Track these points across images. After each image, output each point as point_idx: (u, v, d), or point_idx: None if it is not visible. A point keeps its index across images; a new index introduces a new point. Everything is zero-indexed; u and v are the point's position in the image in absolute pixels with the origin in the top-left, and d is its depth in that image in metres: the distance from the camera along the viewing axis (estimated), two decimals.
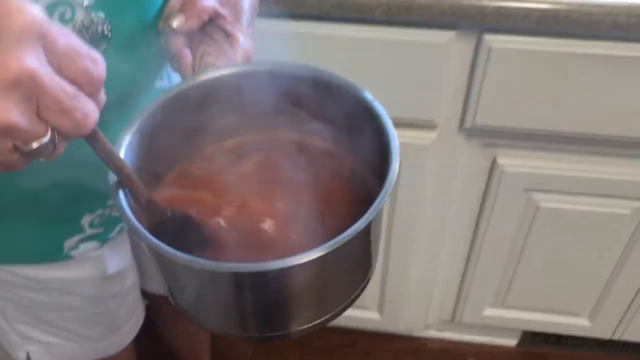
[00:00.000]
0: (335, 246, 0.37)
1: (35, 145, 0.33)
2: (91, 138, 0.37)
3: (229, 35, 0.55)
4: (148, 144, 0.48)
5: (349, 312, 1.42)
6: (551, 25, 0.84)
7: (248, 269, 0.38)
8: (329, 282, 0.43)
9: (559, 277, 1.22)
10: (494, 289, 1.27)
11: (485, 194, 1.11)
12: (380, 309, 1.34)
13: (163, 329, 1.17)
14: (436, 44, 0.90)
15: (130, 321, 0.86)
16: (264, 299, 0.41)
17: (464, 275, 1.27)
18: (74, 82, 0.33)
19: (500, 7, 0.84)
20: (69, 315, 0.76)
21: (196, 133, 0.54)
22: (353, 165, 0.53)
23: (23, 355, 0.79)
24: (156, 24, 0.57)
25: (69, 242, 0.68)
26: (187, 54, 0.53)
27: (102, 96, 0.35)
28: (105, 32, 0.52)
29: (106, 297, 0.78)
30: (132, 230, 0.40)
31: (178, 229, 0.46)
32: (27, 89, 0.30)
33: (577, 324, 1.31)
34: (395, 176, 0.42)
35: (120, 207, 0.41)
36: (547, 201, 1.09)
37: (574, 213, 1.09)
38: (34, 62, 0.30)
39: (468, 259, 1.24)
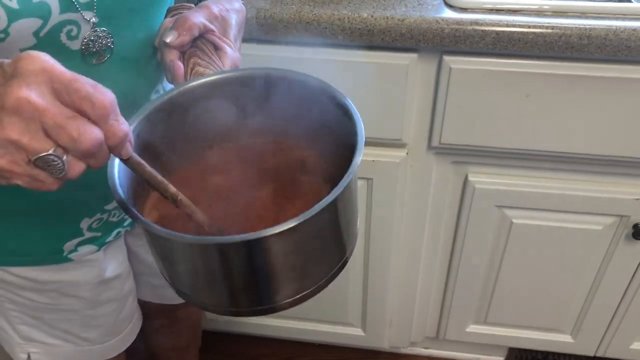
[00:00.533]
0: (304, 217, 0.41)
1: (40, 155, 0.39)
2: (128, 163, 0.43)
3: (217, 48, 0.60)
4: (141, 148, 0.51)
5: (334, 328, 1.44)
6: (507, 46, 0.87)
7: (229, 240, 0.42)
8: (305, 256, 0.46)
9: (538, 293, 1.22)
10: (475, 305, 1.28)
11: (459, 211, 1.13)
12: (364, 326, 1.35)
13: (152, 342, 1.19)
14: (399, 66, 0.93)
15: (128, 326, 0.89)
16: (247, 270, 0.45)
17: (445, 291, 1.29)
18: (77, 107, 0.39)
19: (457, 30, 0.87)
20: (69, 317, 0.80)
21: (185, 139, 0.58)
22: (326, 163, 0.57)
23: (24, 357, 0.82)
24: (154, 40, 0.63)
25: (68, 245, 0.72)
26: (180, 65, 0.58)
27: (115, 123, 0.40)
28: (109, 45, 0.58)
29: (104, 300, 0.81)
30: (130, 216, 0.45)
31: None
32: (27, 112, 0.37)
33: (560, 340, 1.31)
34: (361, 153, 0.46)
35: (115, 192, 0.46)
36: (520, 217, 1.10)
37: (548, 229, 1.10)
38: (33, 92, 0.37)
39: (448, 275, 1.25)
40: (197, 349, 1.26)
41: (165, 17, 0.66)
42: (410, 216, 1.15)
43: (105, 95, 0.39)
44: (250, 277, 0.45)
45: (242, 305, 0.48)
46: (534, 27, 0.86)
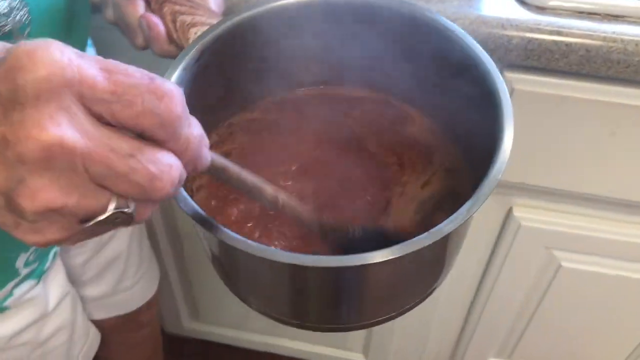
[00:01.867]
0: (418, 246, 0.33)
1: (101, 217, 0.26)
2: (212, 171, 0.30)
3: None
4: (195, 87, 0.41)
5: (334, 352, 1.25)
6: (600, 68, 0.62)
7: (338, 263, 0.33)
8: (398, 284, 0.40)
9: (578, 337, 1.03)
10: (501, 339, 1.09)
11: (496, 244, 0.92)
12: (366, 352, 1.17)
13: None
14: None
15: (85, 345, 0.78)
16: (333, 291, 0.39)
17: (466, 320, 1.09)
18: (135, 129, 0.25)
19: (530, 40, 0.61)
20: None
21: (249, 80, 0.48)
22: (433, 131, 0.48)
23: None
24: None
25: (2, 292, 0.59)
26: (156, 21, 0.45)
27: (188, 131, 0.26)
28: (25, 17, 0.44)
29: (53, 332, 0.69)
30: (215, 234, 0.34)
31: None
32: (63, 161, 0.24)
33: None
34: (504, 167, 0.36)
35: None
36: (570, 261, 0.89)
37: (602, 276, 0.89)
38: (62, 125, 0.23)
39: (472, 306, 1.05)
40: None
41: None
42: None
43: (173, 98, 0.25)
44: (332, 298, 0.40)
45: (311, 320, 0.43)
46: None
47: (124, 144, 0.25)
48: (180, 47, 0.45)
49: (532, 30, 0.61)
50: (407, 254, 0.32)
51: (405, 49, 0.46)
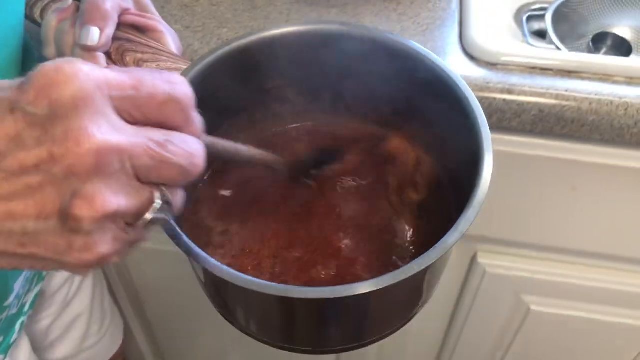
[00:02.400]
0: (407, 274, 0.33)
1: (149, 216, 0.27)
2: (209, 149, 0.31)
3: (146, 30, 0.47)
4: None
5: None
6: (553, 128, 0.58)
7: (321, 295, 0.34)
8: (381, 311, 0.41)
9: None
10: None
11: (463, 288, 0.88)
12: None
13: None
14: None
15: None
16: (319, 318, 0.40)
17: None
18: (161, 120, 0.27)
19: (479, 99, 0.58)
20: None
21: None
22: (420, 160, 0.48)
23: None
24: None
25: None
26: None
27: (197, 115, 0.29)
28: None
29: None
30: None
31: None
32: (113, 162, 0.24)
33: None
34: (484, 195, 0.37)
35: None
36: (540, 304, 0.86)
37: (573, 319, 0.86)
38: (103, 128, 0.24)
39: (442, 349, 1.02)
40: None
41: (29, 15, 0.51)
42: None
43: (184, 83, 0.27)
44: (319, 324, 0.41)
45: (298, 344, 0.43)
46: (600, 102, 0.56)
47: (158, 134, 0.26)
48: None
49: (481, 89, 0.58)
50: (387, 286, 0.33)
51: (380, 74, 0.46)
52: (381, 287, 0.33)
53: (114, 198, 0.25)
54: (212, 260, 0.35)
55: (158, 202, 0.27)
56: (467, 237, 0.77)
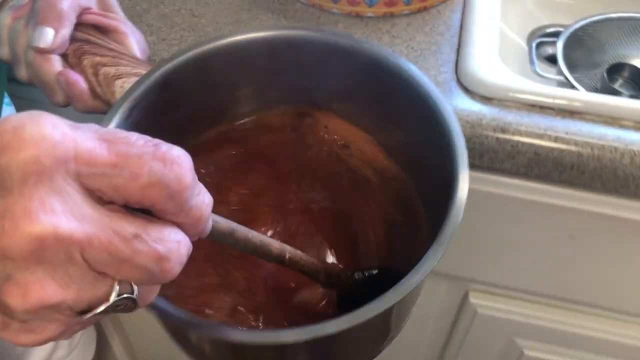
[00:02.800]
0: (375, 312, 0.31)
1: (102, 308, 0.22)
2: (215, 236, 0.27)
3: (109, 31, 0.44)
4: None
5: None
6: (551, 172, 0.53)
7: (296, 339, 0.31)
8: (350, 346, 0.38)
9: None
10: None
11: (453, 327, 0.83)
12: None
13: None
14: None
15: None
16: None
17: None
18: (142, 204, 0.22)
19: (473, 136, 0.53)
20: None
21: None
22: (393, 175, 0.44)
23: None
24: None
25: None
26: (77, 77, 0.41)
27: (198, 199, 0.23)
28: None
29: None
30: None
31: None
32: (58, 253, 0.20)
33: None
34: (460, 217, 0.34)
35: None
36: (534, 349, 0.80)
37: None
38: (55, 212, 0.20)
39: None
40: None
41: None
42: None
43: (182, 165, 0.22)
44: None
45: None
46: (604, 148, 0.51)
47: (128, 225, 0.22)
48: (105, 102, 0.41)
49: (472, 125, 0.53)
50: (352, 326, 0.31)
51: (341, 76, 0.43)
52: (341, 330, 0.30)
53: (58, 290, 0.21)
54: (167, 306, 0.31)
55: (114, 298, 0.23)
56: (457, 277, 0.72)
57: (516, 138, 0.52)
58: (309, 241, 0.45)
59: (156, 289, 0.25)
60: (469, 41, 0.58)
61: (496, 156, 0.53)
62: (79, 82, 0.42)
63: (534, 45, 0.73)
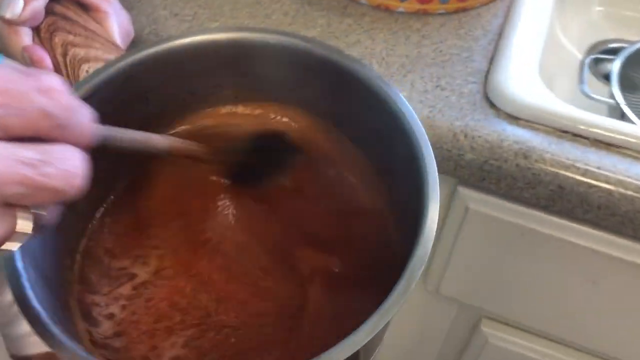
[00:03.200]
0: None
1: (11, 243, 0.24)
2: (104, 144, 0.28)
3: (91, 9, 0.42)
4: None
5: None
6: (574, 208, 0.47)
7: None
8: None
9: None
10: None
11: (461, 355, 0.78)
12: None
13: None
14: None
15: None
16: None
17: None
18: (34, 135, 0.22)
19: (492, 158, 0.47)
20: None
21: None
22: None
23: None
24: None
25: None
26: (42, 54, 0.40)
27: (81, 119, 0.24)
28: None
29: None
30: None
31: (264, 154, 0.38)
32: None
33: None
34: (429, 248, 0.29)
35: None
36: None
37: None
38: None
39: None
40: None
41: None
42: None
43: (62, 91, 0.23)
44: None
45: None
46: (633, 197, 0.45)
47: (30, 152, 0.22)
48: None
49: (492, 145, 0.47)
50: None
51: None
52: None
53: None
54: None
55: (23, 229, 0.23)
56: (467, 304, 0.67)
57: (539, 166, 0.46)
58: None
59: (61, 207, 0.26)
60: (506, 51, 0.52)
61: (515, 183, 0.47)
62: (44, 60, 0.40)
63: (587, 61, 0.66)
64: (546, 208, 0.48)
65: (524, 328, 0.67)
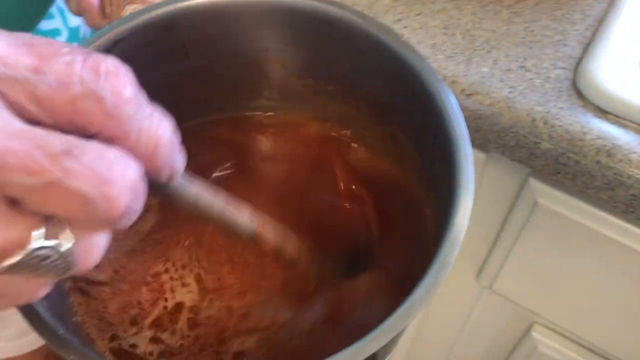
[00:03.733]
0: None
1: (13, 259, 0.16)
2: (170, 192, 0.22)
3: None
4: None
5: None
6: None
7: None
8: None
9: None
10: None
11: (509, 355, 0.74)
12: None
13: None
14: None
15: None
16: None
17: None
18: (72, 121, 0.17)
19: (574, 152, 0.44)
20: None
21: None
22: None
23: None
24: None
25: None
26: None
27: (149, 124, 0.18)
28: None
29: None
30: None
31: None
32: None
33: None
34: (461, 239, 0.26)
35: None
36: None
37: None
38: None
39: None
40: None
41: None
42: (435, 333, 0.78)
43: (120, 76, 0.17)
44: None
45: None
46: None
47: (55, 139, 0.16)
48: None
49: (572, 137, 0.43)
50: None
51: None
52: None
53: None
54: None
55: (36, 243, 0.16)
56: (520, 305, 0.63)
57: (622, 166, 0.42)
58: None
59: (102, 241, 0.18)
60: (605, 38, 0.47)
61: (592, 182, 0.43)
62: (92, 1, 0.39)
63: None
64: (624, 214, 0.44)
65: (578, 341, 0.63)
